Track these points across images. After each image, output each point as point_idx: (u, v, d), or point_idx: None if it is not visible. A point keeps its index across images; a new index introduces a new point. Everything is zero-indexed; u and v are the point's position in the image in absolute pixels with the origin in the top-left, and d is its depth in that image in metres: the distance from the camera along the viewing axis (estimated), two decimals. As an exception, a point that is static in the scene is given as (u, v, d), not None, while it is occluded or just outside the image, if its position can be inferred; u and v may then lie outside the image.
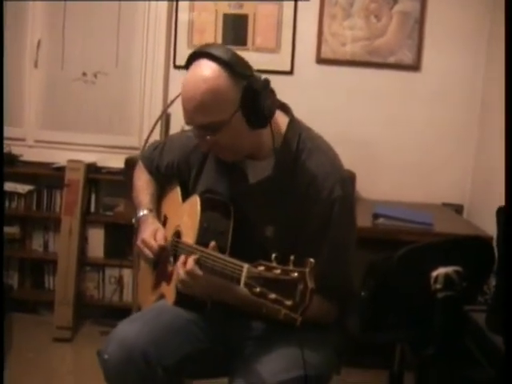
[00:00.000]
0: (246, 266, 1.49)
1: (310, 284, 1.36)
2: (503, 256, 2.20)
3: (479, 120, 3.96)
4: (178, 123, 3.63)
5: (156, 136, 3.75)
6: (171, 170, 2.17)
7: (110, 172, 4.08)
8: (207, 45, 1.75)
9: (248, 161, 1.89)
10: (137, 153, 3.72)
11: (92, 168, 4.10)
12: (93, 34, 4.17)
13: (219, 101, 1.70)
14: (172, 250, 2.02)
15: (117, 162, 3.98)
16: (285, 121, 1.88)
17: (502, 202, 2.34)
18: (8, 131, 4.09)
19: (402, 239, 3.07)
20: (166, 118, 3.88)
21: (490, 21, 3.85)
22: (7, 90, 4.05)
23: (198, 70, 1.72)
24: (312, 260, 1.37)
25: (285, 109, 1.91)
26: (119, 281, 4.19)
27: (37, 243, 4.27)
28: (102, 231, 4.18)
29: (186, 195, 2.09)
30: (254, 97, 1.71)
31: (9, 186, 4.11)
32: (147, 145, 2.26)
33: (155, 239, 2.01)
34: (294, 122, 1.89)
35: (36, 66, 4.19)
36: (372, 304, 2.31)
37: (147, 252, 2.01)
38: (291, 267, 1.39)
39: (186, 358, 1.88)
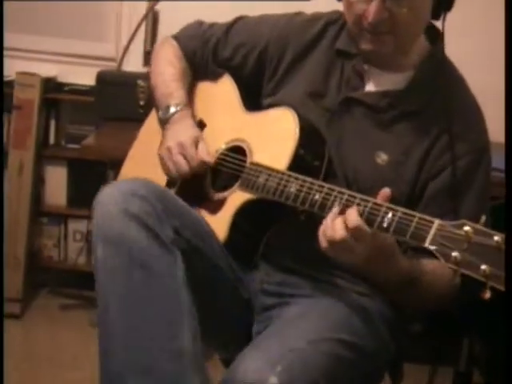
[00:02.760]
0: (437, 221, 1.36)
1: None
2: None
3: None
4: (168, 25, 3.19)
5: (139, 42, 3.35)
6: (245, 53, 1.94)
7: (76, 90, 3.60)
8: None
9: (372, 68, 1.76)
10: (112, 65, 3.53)
11: (51, 84, 3.60)
12: None
13: None
14: (227, 168, 1.86)
15: (85, 76, 3.53)
16: (426, 44, 1.79)
17: None
18: None
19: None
20: (152, 18, 3.37)
21: None
22: None
23: None
24: None
25: (437, 33, 1.82)
26: (87, 237, 3.72)
27: (-26, 184, 3.78)
28: (65, 170, 3.72)
29: (248, 100, 1.93)
30: None
31: None
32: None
33: (196, 149, 1.83)
34: (440, 46, 1.78)
35: None
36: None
37: (182, 162, 1.79)
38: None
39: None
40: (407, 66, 1.74)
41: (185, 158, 1.78)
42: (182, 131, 1.85)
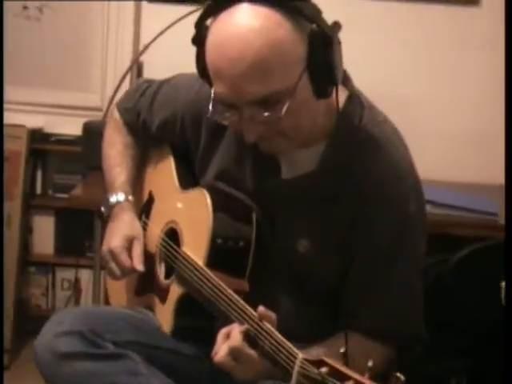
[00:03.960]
0: (300, 356, 1.29)
1: None
2: None
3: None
4: (152, 76, 2.99)
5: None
6: (169, 131, 1.88)
7: (63, 141, 3.59)
8: None
9: None
10: (98, 115, 3.43)
11: (38, 135, 3.61)
12: None
13: (282, 58, 1.43)
14: (165, 255, 1.83)
15: (71, 127, 3.50)
16: (342, 94, 1.60)
17: None
18: None
19: (456, 234, 2.68)
20: (136, 69, 3.32)
21: None
22: None
23: (241, 18, 1.44)
24: (402, 377, 1.14)
25: (342, 78, 1.61)
26: (75, 285, 3.75)
27: (-37, 235, 3.75)
28: (52, 220, 3.72)
29: (184, 173, 1.89)
30: (324, 49, 1.45)
31: None
32: (121, 102, 2.04)
33: (130, 254, 1.79)
34: (354, 98, 1.63)
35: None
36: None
37: (114, 270, 1.81)
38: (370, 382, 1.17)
39: None
40: (319, 136, 1.62)
41: (118, 265, 1.79)
42: (116, 231, 1.84)
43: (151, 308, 1.86)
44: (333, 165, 1.60)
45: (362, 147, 1.60)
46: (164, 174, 1.94)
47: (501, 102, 3.20)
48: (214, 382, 1.74)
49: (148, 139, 1.98)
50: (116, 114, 2.02)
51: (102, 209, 1.93)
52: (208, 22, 1.51)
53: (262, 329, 1.40)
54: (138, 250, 1.79)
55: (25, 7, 3.52)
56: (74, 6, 3.57)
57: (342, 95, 1.60)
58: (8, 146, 3.39)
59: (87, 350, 1.62)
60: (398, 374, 1.15)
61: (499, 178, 3.20)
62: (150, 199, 1.98)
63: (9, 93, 3.56)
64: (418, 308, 1.67)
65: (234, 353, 1.41)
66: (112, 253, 1.77)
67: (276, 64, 1.41)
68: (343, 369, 1.21)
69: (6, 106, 3.49)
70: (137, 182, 2.02)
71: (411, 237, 1.61)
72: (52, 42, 3.62)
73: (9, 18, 3.49)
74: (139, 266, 1.77)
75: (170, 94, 1.88)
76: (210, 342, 1.61)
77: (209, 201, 1.65)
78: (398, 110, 2.98)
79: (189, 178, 1.85)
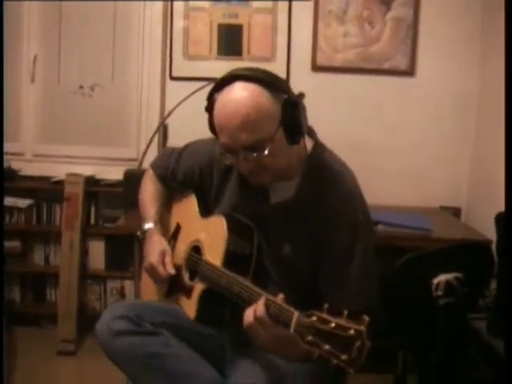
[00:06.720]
0: (296, 313, 1.48)
1: (367, 342, 1.35)
2: (504, 263, 2.19)
3: (476, 122, 3.92)
4: (175, 134, 3.76)
5: (154, 147, 3.75)
6: (190, 177, 2.13)
7: (109, 184, 4.06)
8: (237, 69, 1.76)
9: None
10: (135, 164, 3.81)
11: (91, 181, 4.08)
12: (88, 47, 4.14)
13: (264, 116, 1.69)
14: (190, 264, 2.02)
15: (115, 173, 3.95)
16: (309, 143, 1.88)
17: (500, 205, 2.34)
18: (6, 146, 4.04)
19: (401, 245, 3.03)
20: (163, 130, 3.84)
21: (484, 24, 3.83)
22: (4, 106, 3.99)
23: (236, 91, 1.71)
24: (366, 318, 1.36)
25: (309, 131, 1.90)
26: (121, 292, 4.18)
27: (38, 257, 4.23)
28: (103, 243, 4.15)
29: (203, 207, 2.09)
30: (293, 111, 1.71)
31: (8, 201, 4.08)
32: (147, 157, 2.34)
33: (163, 264, 2.02)
34: (318, 145, 1.89)
35: (33, 80, 4.15)
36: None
37: (157, 278, 2.06)
38: (346, 323, 1.38)
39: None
40: (294, 174, 1.84)
41: (158, 275, 2.03)
42: (151, 249, 2.06)
43: (178, 304, 2.06)
44: (305, 192, 1.82)
45: (324, 179, 1.82)
46: (188, 209, 2.16)
47: (434, 146, 3.92)
48: (223, 354, 1.98)
49: (175, 184, 2.19)
50: (150, 171, 2.27)
51: (138, 233, 2.17)
52: (215, 95, 1.77)
53: (269, 299, 1.59)
54: (168, 260, 2.02)
55: (81, 86, 4.12)
56: (117, 85, 4.11)
57: (310, 142, 1.87)
58: (69, 189, 3.89)
59: (133, 328, 1.85)
60: (365, 316, 1.37)
61: (436, 201, 3.95)
62: (178, 228, 2.19)
63: (70, 150, 4.15)
64: (371, 288, 1.82)
65: (259, 319, 1.58)
66: (152, 267, 2.02)
67: (259, 119, 1.67)
68: (326, 316, 1.41)
69: (67, 159, 4.10)
70: (164, 215, 2.25)
71: (362, 237, 1.78)
72: (100, 112, 4.14)
73: (68, 94, 4.12)
74: (171, 270, 2.01)
75: (192, 153, 2.13)
76: (221, 325, 1.91)
77: (225, 224, 1.88)
78: (360, 153, 3.68)
79: (206, 210, 2.07)
